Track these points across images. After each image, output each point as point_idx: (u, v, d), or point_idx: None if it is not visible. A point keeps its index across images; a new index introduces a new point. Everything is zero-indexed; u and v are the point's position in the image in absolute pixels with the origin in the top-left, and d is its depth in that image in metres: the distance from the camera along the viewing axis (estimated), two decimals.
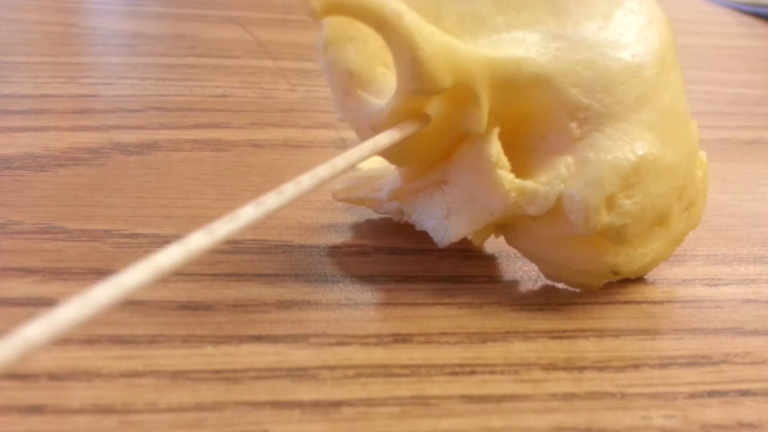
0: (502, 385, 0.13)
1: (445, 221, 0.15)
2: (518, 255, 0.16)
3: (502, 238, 0.16)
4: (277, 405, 0.12)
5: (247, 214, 0.10)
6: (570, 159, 0.14)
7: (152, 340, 0.13)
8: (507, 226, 0.16)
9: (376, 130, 0.14)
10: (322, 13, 0.12)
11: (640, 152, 0.14)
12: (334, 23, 0.14)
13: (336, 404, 0.12)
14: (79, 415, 0.11)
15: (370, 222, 0.18)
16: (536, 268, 0.16)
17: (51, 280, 0.14)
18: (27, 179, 0.18)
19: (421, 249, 0.17)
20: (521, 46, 0.14)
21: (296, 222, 0.17)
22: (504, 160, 0.14)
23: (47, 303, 0.14)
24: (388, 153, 0.15)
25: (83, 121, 0.22)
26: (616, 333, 0.14)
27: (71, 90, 0.25)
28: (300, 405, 0.12)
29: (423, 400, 0.12)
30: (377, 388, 0.12)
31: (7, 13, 0.35)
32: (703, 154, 0.17)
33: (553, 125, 0.15)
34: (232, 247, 0.16)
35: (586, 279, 0.16)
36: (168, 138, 0.22)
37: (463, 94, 0.14)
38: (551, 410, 0.12)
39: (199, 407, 0.12)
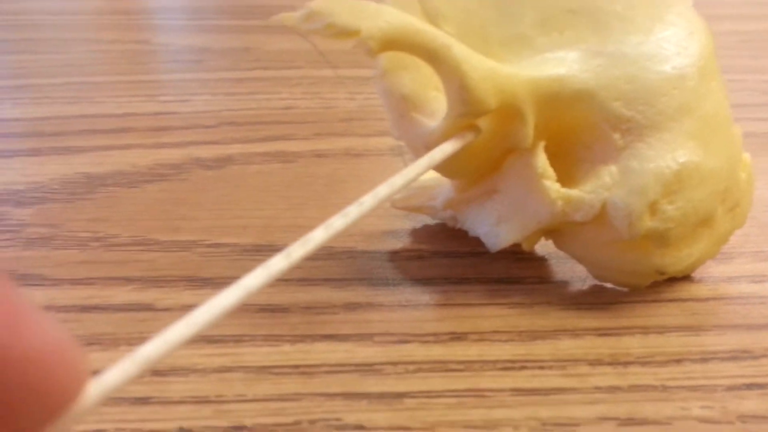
0: (550, 379, 0.14)
1: (496, 228, 0.17)
2: (567, 257, 0.17)
3: (551, 241, 0.17)
4: (347, 396, 0.13)
5: (317, 237, 0.12)
6: (614, 168, 0.15)
7: (238, 340, 0.15)
8: (555, 231, 0.17)
9: (429, 148, 0.15)
10: (379, 51, 0.14)
11: (682, 160, 0.15)
12: (389, 53, 0.15)
13: (399, 395, 0.13)
14: (180, 405, 0.13)
15: (427, 228, 0.19)
16: (585, 269, 0.17)
17: (148, 287, 0.16)
18: (119, 195, 0.21)
19: (474, 252, 0.18)
20: (564, 64, 0.15)
21: (359, 229, 0.19)
22: (550, 171, 0.15)
23: (146, 308, 0.16)
24: (441, 168, 0.16)
25: (164, 138, 0.25)
26: (661, 330, 0.15)
27: (151, 108, 0.27)
28: (367, 396, 0.13)
29: (477, 393, 0.14)
30: (435, 382, 0.14)
31: (82, 33, 0.37)
32: (746, 156, 0.17)
33: (598, 136, 0.16)
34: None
35: (633, 279, 0.17)
36: (240, 152, 0.24)
37: (509, 113, 0.15)
38: (596, 402, 0.13)
39: (281, 398, 0.13)
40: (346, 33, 0.13)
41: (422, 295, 0.16)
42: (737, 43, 0.37)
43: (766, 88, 0.31)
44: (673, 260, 0.16)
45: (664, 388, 0.14)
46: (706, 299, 0.16)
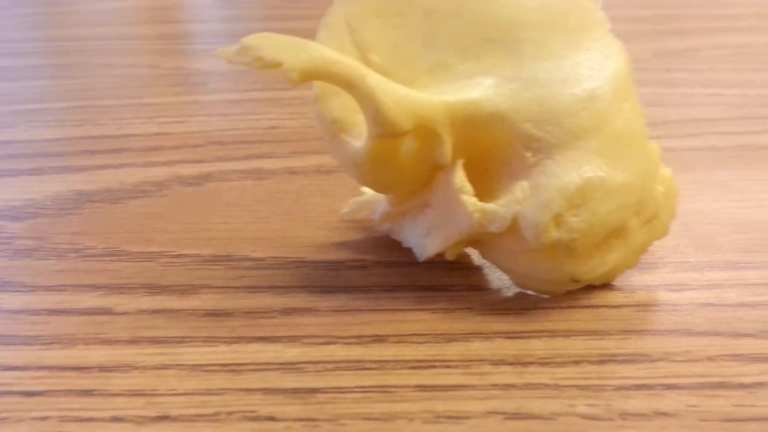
0: (453, 377, 0.15)
1: (424, 239, 0.18)
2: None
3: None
4: (266, 391, 0.15)
5: None
6: (525, 184, 0.17)
7: (180, 341, 0.17)
8: (479, 242, 0.18)
9: (357, 167, 0.17)
10: (300, 81, 0.15)
11: (586, 176, 0.16)
12: (322, 82, 0.17)
13: (312, 391, 0.15)
14: (117, 397, 0.15)
15: (374, 239, 0.21)
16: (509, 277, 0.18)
17: (111, 293, 0.18)
18: (103, 211, 0.23)
19: (412, 262, 0.19)
20: (478, 89, 0.17)
21: (312, 240, 0.21)
22: (467, 186, 0.17)
23: (106, 312, 0.18)
24: (373, 184, 0.17)
25: (154, 158, 0.27)
26: (567, 333, 0.17)
27: (148, 129, 0.30)
28: (284, 391, 0.15)
29: (383, 389, 0.15)
30: (348, 379, 0.15)
31: (103, 59, 0.40)
32: (667, 171, 0.18)
33: (512, 155, 0.17)
34: (255, 264, 0.20)
35: (550, 286, 0.18)
36: (220, 169, 0.26)
37: (428, 134, 0.16)
38: (489, 398, 0.15)
39: (207, 392, 0.15)
40: (270, 65, 0.15)
41: (356, 301, 0.18)
42: (723, 57, 0.38)
43: (742, 102, 0.31)
44: (586, 269, 0.17)
45: (556, 387, 0.15)
46: (619, 306, 0.18)
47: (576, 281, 0.17)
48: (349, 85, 0.15)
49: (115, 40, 0.45)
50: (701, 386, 0.15)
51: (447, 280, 0.19)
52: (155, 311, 0.18)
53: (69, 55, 0.42)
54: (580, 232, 0.16)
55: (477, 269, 0.19)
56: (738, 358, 0.16)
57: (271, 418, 0.14)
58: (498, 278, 0.19)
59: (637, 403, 0.15)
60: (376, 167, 0.17)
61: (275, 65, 0.15)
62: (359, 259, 0.20)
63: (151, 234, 0.21)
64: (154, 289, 0.19)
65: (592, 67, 0.17)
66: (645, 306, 0.18)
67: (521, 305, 0.18)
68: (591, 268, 0.17)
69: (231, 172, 0.25)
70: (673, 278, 0.19)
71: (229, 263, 0.20)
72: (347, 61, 0.15)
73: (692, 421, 0.14)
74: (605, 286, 0.18)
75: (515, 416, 0.14)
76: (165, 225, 0.22)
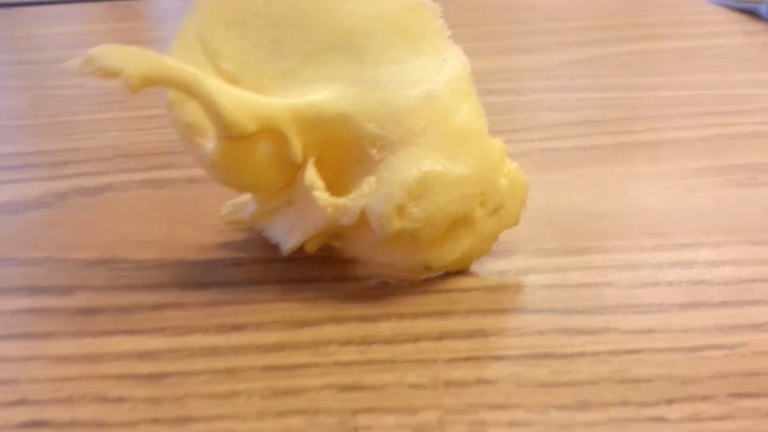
0: (300, 358, 0.16)
1: (287, 235, 0.19)
2: None
3: None
4: (120, 377, 0.16)
5: None
6: (372, 179, 0.18)
7: (50, 335, 0.17)
8: (339, 235, 0.19)
9: (212, 168, 0.18)
10: (138, 88, 0.16)
11: (425, 169, 0.18)
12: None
13: (164, 375, 0.16)
14: None
15: (255, 239, 0.22)
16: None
17: None
18: (3, 222, 0.24)
19: (287, 258, 0.20)
20: (322, 93, 0.18)
21: (195, 242, 0.22)
22: (318, 182, 0.18)
23: None
24: (229, 184, 0.19)
25: (61, 171, 0.28)
26: (415, 315, 0.18)
27: (61, 145, 0.30)
28: (137, 376, 0.16)
29: (231, 371, 0.16)
30: (200, 364, 0.16)
31: (29, 81, 0.41)
32: (513, 165, 0.20)
33: (361, 153, 0.18)
34: (135, 265, 0.21)
35: (406, 274, 0.19)
36: (122, 180, 0.26)
37: (276, 135, 0.18)
38: (329, 373, 0.16)
39: (64, 379, 0.16)
40: (111, 74, 0.16)
41: (225, 296, 0.19)
42: (628, 63, 0.40)
43: (634, 104, 0.33)
44: (436, 256, 0.19)
45: (393, 362, 0.16)
46: (470, 289, 0.19)
47: (429, 268, 0.19)
48: (188, 90, 0.17)
49: (46, 64, 0.46)
50: (526, 357, 0.16)
51: (316, 273, 0.20)
52: (31, 310, 0.19)
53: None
54: (422, 221, 0.18)
55: (345, 262, 0.20)
56: (566, 332, 0.17)
57: (119, 400, 0.15)
58: (362, 270, 0.20)
59: (462, 372, 0.16)
60: (230, 168, 0.18)
61: (115, 74, 0.16)
62: (236, 257, 0.21)
63: (42, 241, 0.22)
64: (34, 290, 0.19)
65: (429, 71, 0.18)
66: (493, 289, 0.19)
67: (379, 292, 0.19)
68: (441, 256, 0.19)
69: (131, 183, 0.26)
70: (525, 263, 0.20)
71: (111, 265, 0.21)
72: (185, 68, 0.17)
73: (509, 386, 0.15)
74: (460, 272, 0.20)
75: (348, 388, 0.15)
76: (57, 233, 0.23)
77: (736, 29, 0.46)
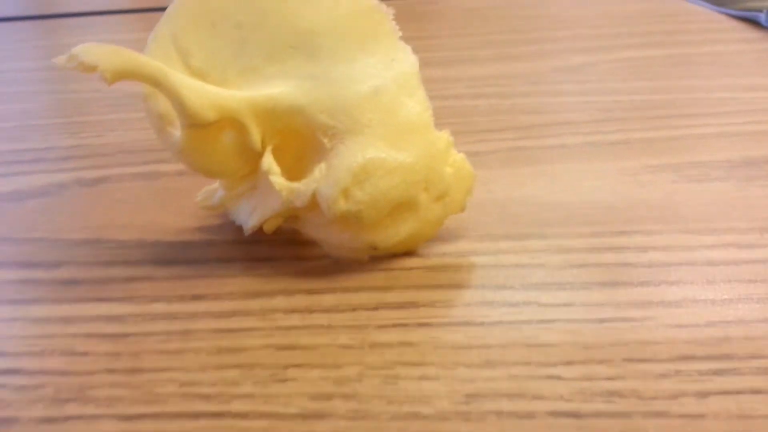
0: (247, 323, 0.18)
1: (249, 216, 0.21)
2: None
3: None
4: (88, 336, 0.18)
5: None
6: (323, 165, 0.20)
7: (34, 301, 0.20)
8: (296, 218, 0.21)
9: (179, 154, 0.20)
10: (112, 81, 0.19)
11: (369, 156, 0.19)
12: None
13: (125, 335, 0.18)
14: None
15: (228, 222, 0.24)
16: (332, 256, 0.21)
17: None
18: (6, 208, 0.26)
19: (254, 239, 0.22)
20: (279, 86, 0.20)
21: (175, 226, 0.24)
22: (274, 167, 0.20)
23: None
24: (197, 170, 0.21)
25: (64, 165, 0.30)
26: (358, 289, 0.20)
27: (68, 143, 0.33)
28: (102, 335, 0.18)
29: (185, 332, 0.18)
30: (158, 326, 0.18)
31: (50, 86, 0.44)
32: (459, 156, 0.21)
33: (315, 142, 0.20)
34: (117, 245, 0.23)
35: (354, 254, 0.21)
36: (118, 173, 0.29)
37: (236, 124, 0.20)
38: (270, 336, 0.18)
39: (38, 336, 0.18)
40: (89, 68, 0.18)
41: (191, 271, 0.21)
42: (614, 69, 0.41)
43: (611, 107, 0.34)
44: (382, 237, 0.20)
45: (329, 327, 0.18)
46: (411, 269, 0.21)
47: (375, 248, 0.21)
48: (156, 83, 0.19)
49: (68, 71, 0.49)
50: (447, 324, 0.18)
51: (278, 253, 0.22)
52: (21, 281, 0.21)
53: (18, 84, 0.45)
54: (365, 204, 0.19)
55: (302, 243, 0.22)
56: (489, 304, 0.19)
57: (84, 354, 0.17)
58: (318, 251, 0.22)
59: (389, 336, 0.17)
60: (196, 154, 0.20)
61: (92, 68, 0.18)
62: (207, 239, 0.23)
63: (38, 224, 0.25)
64: (26, 265, 0.22)
65: (378, 68, 0.20)
66: (433, 268, 0.21)
67: (328, 270, 0.21)
68: (386, 237, 0.20)
69: (126, 175, 0.29)
70: (468, 247, 0.22)
71: (96, 245, 0.23)
72: (153, 63, 0.19)
73: (427, 348, 0.17)
74: (406, 254, 0.21)
75: (285, 348, 0.17)
76: (54, 218, 0.25)
77: (734, 37, 0.47)
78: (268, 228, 0.21)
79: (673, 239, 0.21)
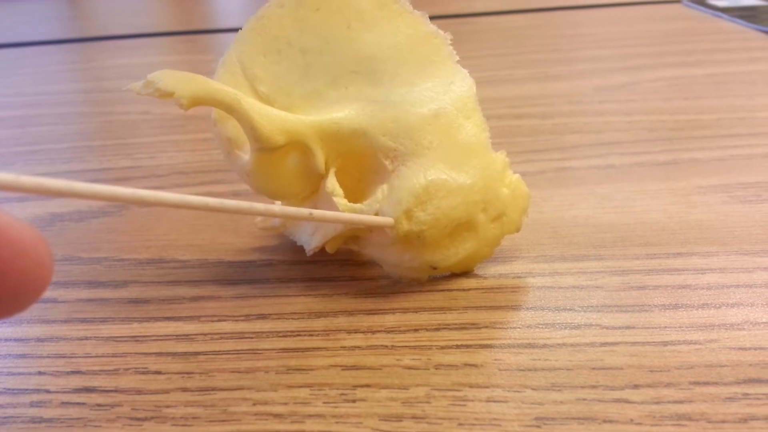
0: (312, 342, 0.19)
1: (310, 237, 0.22)
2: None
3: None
4: (159, 354, 0.19)
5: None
6: (385, 186, 0.20)
7: (103, 321, 0.20)
8: (356, 238, 0.22)
9: (248, 176, 0.21)
10: (189, 106, 0.19)
11: (430, 177, 0.20)
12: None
13: (196, 354, 0.19)
14: (42, 359, 0.19)
15: (286, 243, 0.24)
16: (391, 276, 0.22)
17: (59, 288, 0.22)
18: (69, 227, 0.27)
19: (312, 260, 0.23)
20: (343, 111, 0.21)
21: (234, 246, 0.24)
22: (338, 189, 0.20)
23: (52, 301, 0.22)
24: (263, 191, 0.21)
25: (123, 185, 0.31)
26: (418, 309, 0.20)
27: (124, 164, 0.34)
28: (174, 354, 0.19)
29: (253, 351, 0.19)
30: (227, 345, 0.19)
31: (101, 108, 0.45)
32: (515, 176, 0.22)
33: (377, 164, 0.21)
34: (180, 264, 0.23)
35: (415, 273, 0.21)
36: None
37: (302, 148, 0.20)
38: (335, 355, 0.18)
39: (113, 355, 0.19)
40: (166, 95, 0.19)
41: (254, 290, 0.22)
42: (657, 88, 0.41)
43: (655, 126, 0.34)
44: (441, 257, 0.21)
45: (392, 347, 0.18)
46: (470, 289, 0.21)
47: (435, 268, 0.21)
48: (229, 109, 0.19)
49: (116, 92, 0.50)
50: (510, 346, 0.18)
51: (336, 273, 0.22)
52: (89, 300, 0.22)
53: (66, 106, 0.47)
54: (428, 224, 0.20)
55: (361, 264, 0.23)
56: (551, 326, 0.19)
57: (158, 372, 0.18)
58: (378, 270, 0.22)
59: (453, 357, 0.18)
60: (263, 177, 0.21)
61: (168, 94, 0.19)
62: (267, 259, 0.23)
63: (102, 244, 0.25)
64: (93, 284, 0.23)
65: (437, 92, 0.21)
66: (491, 289, 0.21)
67: (388, 290, 0.21)
68: (446, 257, 0.21)
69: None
70: (524, 268, 0.22)
71: (160, 264, 0.24)
72: (227, 90, 0.20)
73: (492, 370, 0.17)
74: (464, 274, 0.22)
75: (351, 368, 0.18)
76: (116, 237, 0.26)
77: None
78: (330, 248, 0.22)
79: (729, 261, 0.21)
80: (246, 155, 0.21)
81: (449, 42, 0.22)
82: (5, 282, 0.09)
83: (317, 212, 0.19)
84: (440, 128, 0.20)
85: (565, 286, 0.21)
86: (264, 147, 0.20)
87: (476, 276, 0.22)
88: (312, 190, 0.22)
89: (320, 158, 0.20)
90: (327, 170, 0.21)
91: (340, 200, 0.20)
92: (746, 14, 0.59)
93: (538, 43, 0.54)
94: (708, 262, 0.21)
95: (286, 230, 0.23)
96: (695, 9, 0.64)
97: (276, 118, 0.20)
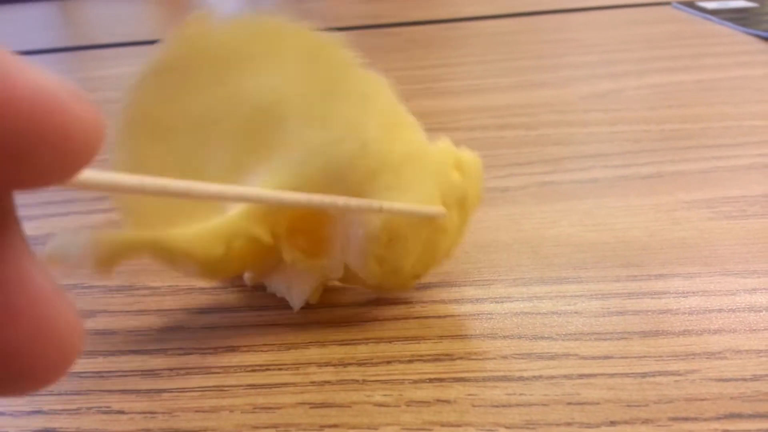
0: (282, 377, 0.18)
1: (289, 292, 0.21)
2: (351, 293, 0.21)
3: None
4: (123, 392, 0.18)
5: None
6: (342, 236, 0.19)
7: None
8: (343, 279, 0.21)
9: (203, 277, 0.18)
10: (109, 270, 0.16)
11: (383, 218, 0.18)
12: None
13: (160, 391, 0.18)
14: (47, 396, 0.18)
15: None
16: (365, 301, 0.21)
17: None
18: (38, 252, 0.26)
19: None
20: (265, 178, 0.18)
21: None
22: (298, 256, 0.19)
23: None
24: (229, 278, 0.20)
25: (97, 206, 0.30)
26: (392, 339, 0.19)
27: None
28: (138, 392, 0.18)
29: (218, 388, 0.18)
30: (193, 381, 0.18)
31: None
32: (462, 154, 0.20)
33: (322, 215, 0.19)
34: (151, 291, 0.23)
35: (398, 289, 0.21)
36: None
37: (245, 235, 0.18)
38: (305, 392, 0.17)
39: (77, 393, 0.18)
40: (79, 268, 0.16)
41: (224, 320, 0.21)
42: (642, 96, 0.40)
43: (640, 137, 0.34)
44: (420, 267, 0.20)
45: (363, 382, 0.18)
46: (446, 316, 0.20)
47: (417, 277, 0.20)
48: (154, 255, 0.17)
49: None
50: (486, 379, 0.18)
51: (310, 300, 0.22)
52: None
53: None
54: (399, 256, 0.19)
55: (336, 290, 0.22)
56: (527, 356, 0.18)
57: (120, 412, 0.17)
58: (351, 297, 0.22)
59: (425, 393, 0.17)
60: (217, 274, 0.19)
61: (83, 268, 0.16)
62: (240, 285, 0.23)
63: (72, 270, 0.25)
64: (134, 313, 0.22)
65: (356, 115, 0.18)
66: (467, 316, 0.20)
67: (362, 317, 0.20)
68: (425, 264, 0.20)
69: None
70: (502, 292, 0.21)
71: (129, 291, 0.23)
72: (141, 236, 0.17)
73: (465, 406, 0.17)
74: (441, 300, 0.21)
75: (319, 405, 0.17)
76: None
77: (763, 59, 0.47)
78: (314, 299, 0.21)
79: (713, 283, 0.21)
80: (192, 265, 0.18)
81: (345, 45, 0.19)
82: (11, 364, 0.07)
83: (386, 204, 0.18)
84: (372, 156, 0.18)
85: (544, 312, 0.20)
86: (208, 267, 0.18)
87: (453, 301, 0.21)
88: (272, 257, 0.20)
89: (264, 236, 0.18)
90: (277, 237, 0.19)
91: (304, 263, 0.19)
92: (736, 17, 0.59)
93: (524, 49, 0.54)
94: (690, 284, 0.21)
95: (255, 283, 0.23)
96: (685, 11, 0.64)
97: (204, 233, 0.18)
